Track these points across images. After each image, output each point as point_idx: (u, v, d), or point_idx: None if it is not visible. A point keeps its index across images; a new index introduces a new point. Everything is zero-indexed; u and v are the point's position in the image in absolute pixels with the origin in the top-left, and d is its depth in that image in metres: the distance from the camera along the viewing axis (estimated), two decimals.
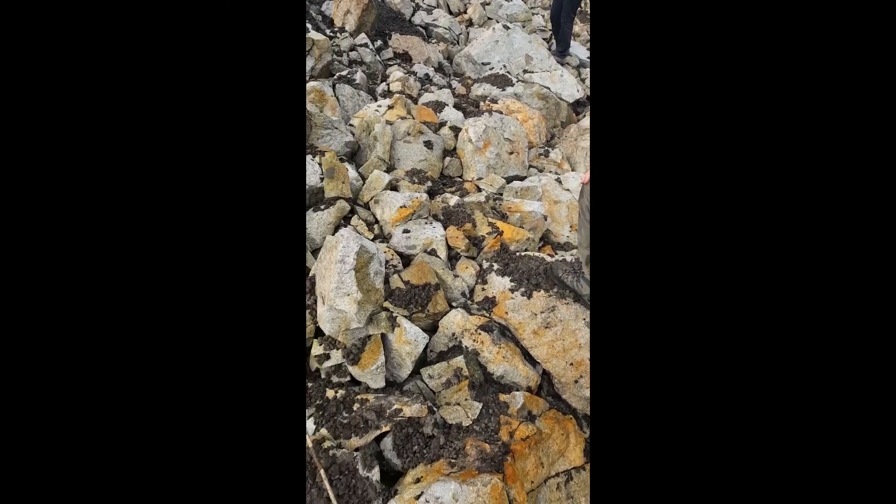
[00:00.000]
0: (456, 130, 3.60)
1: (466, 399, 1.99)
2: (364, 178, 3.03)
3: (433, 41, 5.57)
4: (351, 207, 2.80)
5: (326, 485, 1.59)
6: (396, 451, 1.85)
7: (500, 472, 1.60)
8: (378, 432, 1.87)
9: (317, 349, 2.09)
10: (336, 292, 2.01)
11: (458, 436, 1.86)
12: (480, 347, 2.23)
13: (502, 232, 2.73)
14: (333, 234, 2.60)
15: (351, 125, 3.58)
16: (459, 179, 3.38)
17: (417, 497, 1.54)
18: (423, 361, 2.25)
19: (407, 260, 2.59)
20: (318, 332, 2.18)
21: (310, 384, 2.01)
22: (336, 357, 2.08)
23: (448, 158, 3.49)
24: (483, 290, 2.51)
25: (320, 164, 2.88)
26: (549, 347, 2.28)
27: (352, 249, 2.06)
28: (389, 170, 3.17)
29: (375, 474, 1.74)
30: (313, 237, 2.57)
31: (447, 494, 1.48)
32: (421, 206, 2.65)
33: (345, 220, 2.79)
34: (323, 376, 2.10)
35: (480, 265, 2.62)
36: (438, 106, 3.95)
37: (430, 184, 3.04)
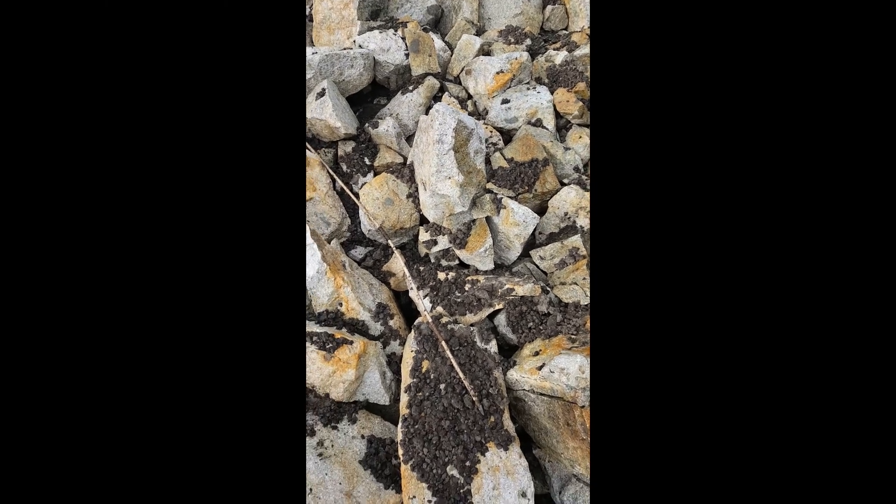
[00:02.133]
0: None
1: (584, 278, 1.86)
2: (452, 48, 2.68)
3: None
4: (440, 84, 2.54)
5: (449, 354, 1.70)
6: (511, 327, 1.88)
7: None
8: (491, 310, 1.89)
9: (423, 236, 2.10)
10: (437, 176, 1.91)
11: (577, 314, 1.79)
12: None
13: None
14: (426, 115, 2.42)
15: None
16: (565, 32, 2.78)
17: (540, 367, 1.56)
18: (530, 244, 2.14)
19: (509, 136, 2.33)
20: (423, 220, 2.18)
21: (421, 268, 2.07)
22: (443, 242, 2.08)
23: (550, 7, 2.85)
24: None
25: (403, 38, 2.59)
26: None
27: (449, 126, 1.88)
28: (479, 32, 2.73)
29: (493, 346, 1.80)
30: (405, 122, 2.44)
31: (573, 366, 1.46)
32: (521, 68, 2.26)
33: (435, 100, 2.56)
34: (432, 261, 2.14)
35: None
36: None
37: (529, 42, 2.56)
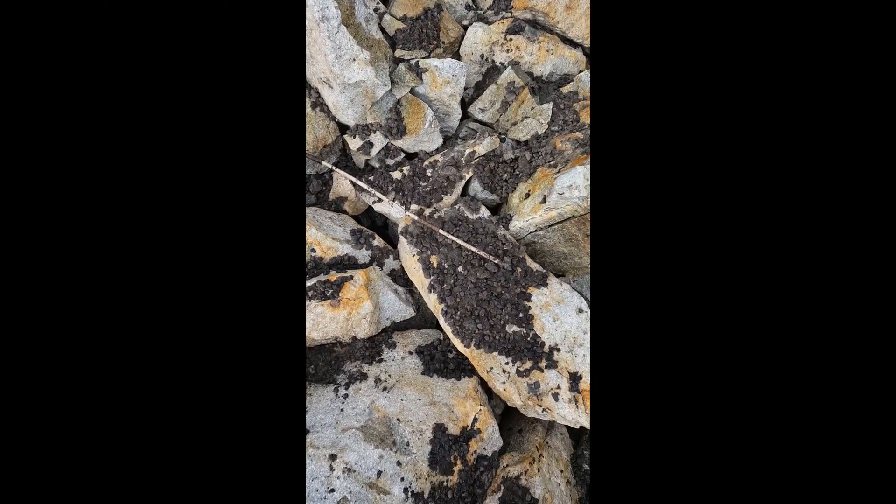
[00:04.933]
0: None
1: (533, 108, 1.82)
2: None
3: None
4: None
5: (451, 237, 1.62)
6: (488, 189, 1.83)
7: None
8: (464, 181, 1.80)
9: (354, 143, 1.84)
10: (339, 63, 1.60)
11: (542, 144, 1.78)
12: (518, 54, 1.91)
13: None
14: None
15: None
16: None
17: (542, 201, 1.56)
18: (463, 105, 2.00)
19: None
20: (343, 128, 1.89)
21: (371, 178, 1.86)
22: (379, 140, 1.85)
23: None
24: None
25: None
26: (586, 19, 1.94)
27: None
28: None
29: (484, 212, 1.76)
30: None
31: (577, 178, 1.48)
32: None
33: None
34: (377, 165, 1.92)
35: None
36: None
37: None
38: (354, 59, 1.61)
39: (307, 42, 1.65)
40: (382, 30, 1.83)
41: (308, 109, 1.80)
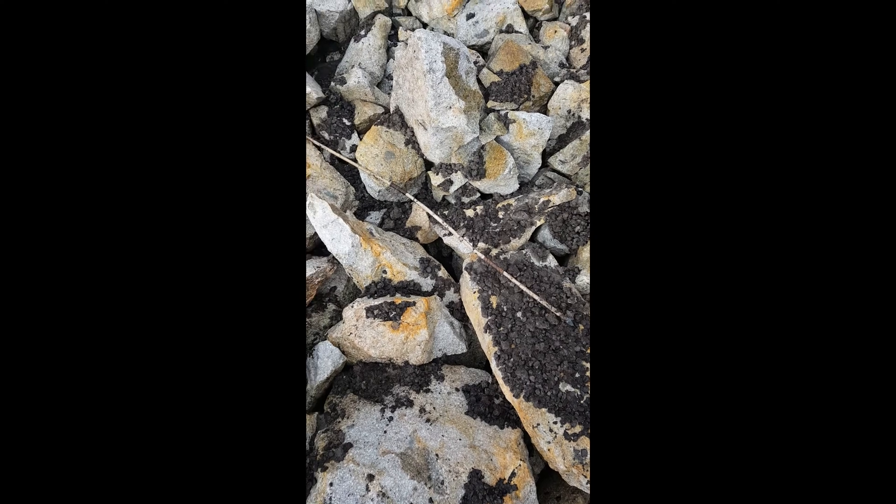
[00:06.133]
0: None
1: None
2: None
3: None
4: (391, 21, 2.31)
5: (515, 281, 1.64)
6: (558, 238, 1.83)
7: None
8: (534, 228, 1.83)
9: (436, 179, 1.96)
10: (436, 110, 1.76)
11: None
12: None
13: None
14: (388, 59, 2.21)
15: None
16: None
17: None
18: (543, 154, 2.06)
19: (482, 51, 2.18)
20: (428, 165, 2.03)
21: (446, 212, 1.96)
22: (458, 179, 1.96)
23: None
24: (583, 49, 2.08)
25: None
26: None
27: (436, 51, 1.70)
28: None
29: (552, 261, 1.75)
30: (371, 70, 2.21)
31: None
32: None
33: (391, 39, 2.33)
34: (453, 201, 2.02)
35: (569, 23, 2.13)
36: None
37: None
38: (451, 107, 1.76)
39: (412, 88, 1.84)
40: (479, 81, 1.98)
41: (402, 146, 1.97)
